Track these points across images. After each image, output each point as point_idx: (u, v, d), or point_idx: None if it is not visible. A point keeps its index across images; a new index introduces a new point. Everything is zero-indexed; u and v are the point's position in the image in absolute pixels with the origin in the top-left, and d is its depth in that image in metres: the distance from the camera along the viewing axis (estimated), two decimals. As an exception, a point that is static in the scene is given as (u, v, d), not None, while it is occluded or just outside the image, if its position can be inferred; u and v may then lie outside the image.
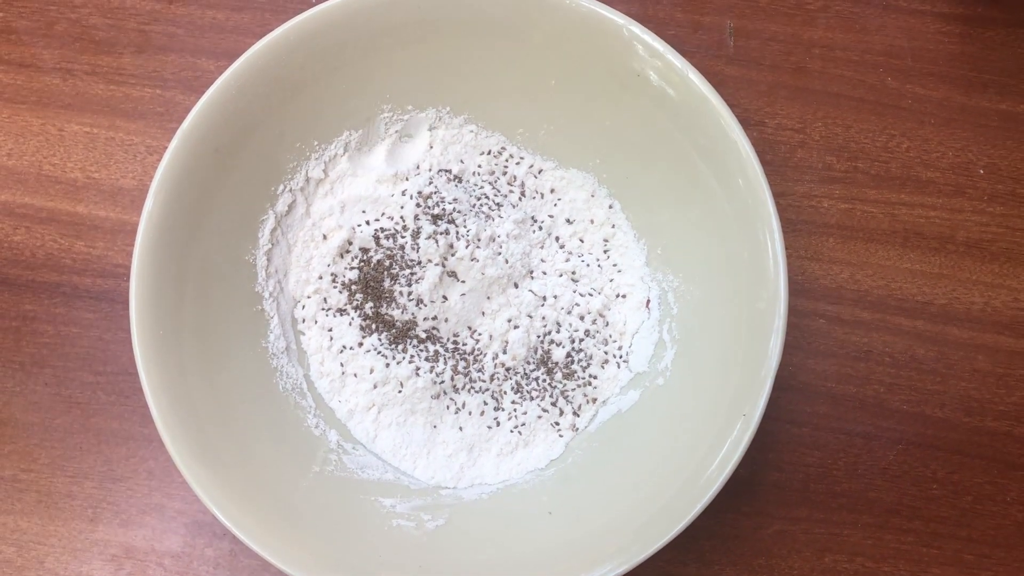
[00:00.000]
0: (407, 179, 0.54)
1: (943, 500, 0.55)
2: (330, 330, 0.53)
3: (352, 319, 0.53)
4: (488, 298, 0.53)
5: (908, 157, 0.59)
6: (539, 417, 0.52)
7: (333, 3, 0.49)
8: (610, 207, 0.55)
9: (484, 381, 0.52)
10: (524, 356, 0.52)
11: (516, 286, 0.53)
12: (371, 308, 0.52)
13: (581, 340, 0.53)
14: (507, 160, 0.55)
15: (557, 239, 0.55)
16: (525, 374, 0.53)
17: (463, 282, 0.52)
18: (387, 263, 0.52)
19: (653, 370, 0.52)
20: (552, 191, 0.56)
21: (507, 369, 0.53)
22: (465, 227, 0.52)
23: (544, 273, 0.54)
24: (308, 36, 0.49)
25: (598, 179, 0.55)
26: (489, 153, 0.55)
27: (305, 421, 0.50)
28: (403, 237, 0.53)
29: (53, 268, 0.57)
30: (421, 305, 0.52)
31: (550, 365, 0.53)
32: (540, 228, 0.55)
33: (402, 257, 0.52)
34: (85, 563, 0.53)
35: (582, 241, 0.55)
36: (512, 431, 0.52)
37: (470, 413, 0.52)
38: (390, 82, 0.52)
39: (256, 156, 0.50)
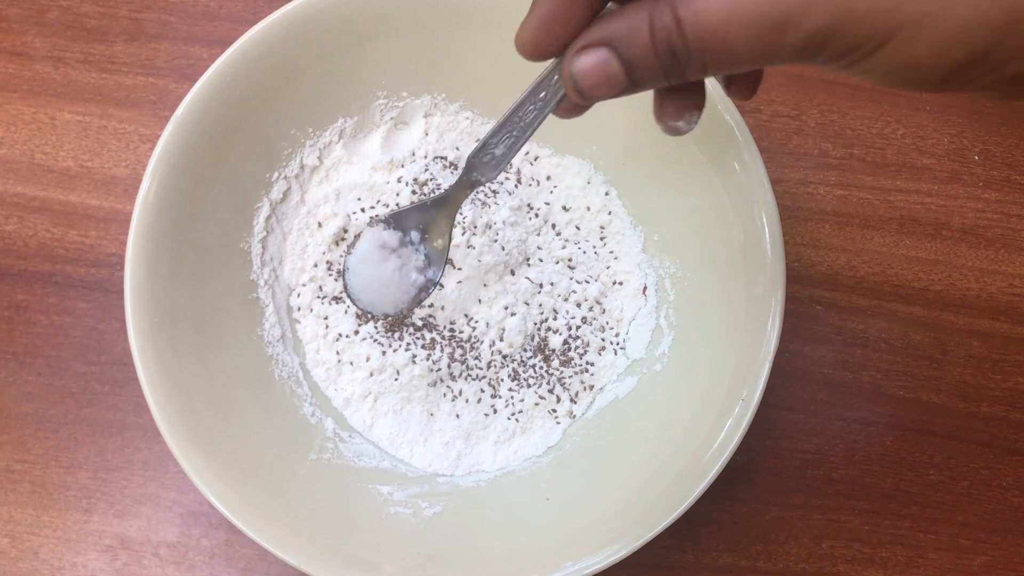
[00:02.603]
0: (402, 166, 0.54)
1: (940, 485, 0.55)
2: (326, 318, 0.52)
3: (348, 307, 0.52)
4: (485, 285, 0.53)
5: (903, 144, 0.60)
6: (536, 404, 0.52)
7: (327, -12, 0.49)
8: (606, 194, 0.55)
9: (481, 368, 0.52)
10: (521, 343, 0.52)
11: (513, 273, 0.53)
12: (367, 296, 0.52)
13: (578, 327, 0.53)
14: (503, 147, 0.55)
15: (553, 226, 0.55)
16: (522, 361, 0.52)
17: (459, 269, 0.52)
18: (383, 251, 0.52)
19: (650, 356, 0.52)
20: (548, 178, 0.55)
21: (504, 356, 0.52)
22: (461, 214, 0.52)
23: (541, 260, 0.54)
24: (302, 22, 0.48)
25: (594, 166, 0.55)
26: (485, 140, 0.55)
27: (301, 409, 0.50)
28: (399, 224, 0.52)
29: (46, 258, 0.56)
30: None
31: (547, 352, 0.53)
32: (536, 215, 0.54)
33: (398, 245, 0.52)
34: (80, 553, 0.53)
35: (578, 228, 0.55)
36: (509, 418, 0.52)
37: (467, 401, 0.52)
38: (385, 69, 0.52)
39: (251, 143, 0.50)
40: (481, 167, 0.39)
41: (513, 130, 0.36)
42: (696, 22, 0.27)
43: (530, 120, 0.35)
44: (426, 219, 0.45)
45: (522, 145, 0.37)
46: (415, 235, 0.46)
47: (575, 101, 0.32)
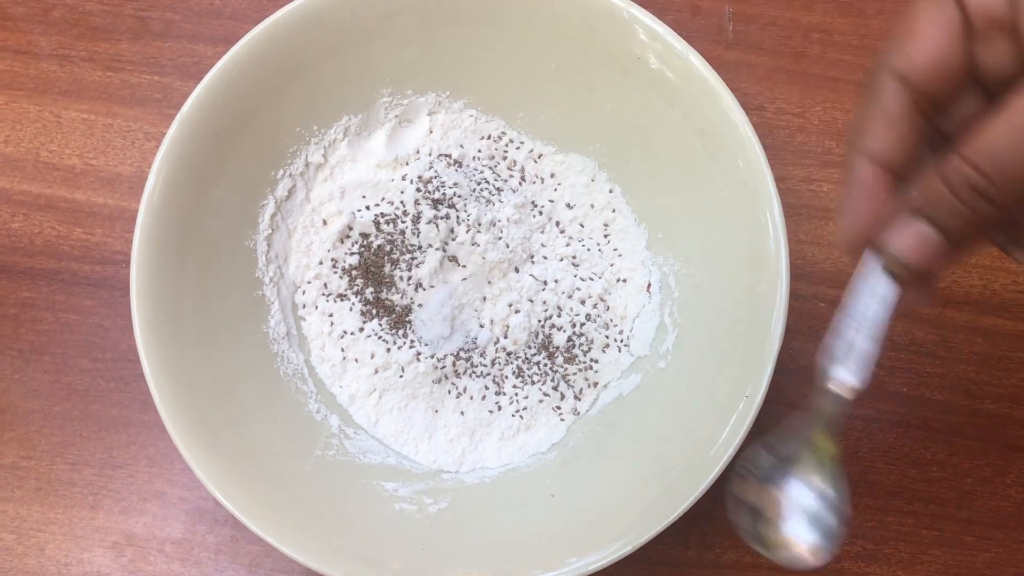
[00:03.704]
0: (407, 164, 0.54)
1: (943, 482, 0.55)
2: (331, 315, 0.53)
3: (352, 304, 0.52)
4: (489, 283, 0.53)
5: (907, 141, 0.59)
6: (540, 401, 0.52)
7: (332, -13, 0.49)
8: (610, 191, 0.55)
9: (485, 366, 0.52)
10: (525, 340, 0.52)
11: (517, 271, 0.53)
12: (371, 293, 0.52)
13: (582, 324, 0.53)
14: (507, 145, 0.55)
15: (557, 224, 0.55)
16: (526, 358, 0.53)
17: (464, 267, 0.52)
18: (387, 248, 0.52)
19: (654, 353, 0.52)
20: (552, 176, 0.55)
21: (508, 354, 0.53)
22: (465, 212, 0.52)
23: (545, 258, 0.54)
24: (306, 20, 0.49)
25: (598, 163, 0.55)
26: (489, 138, 0.55)
27: (306, 406, 0.50)
28: (403, 222, 0.52)
29: (51, 255, 0.56)
30: (421, 290, 0.52)
31: (551, 349, 0.53)
32: (540, 213, 0.55)
33: (402, 242, 0.52)
34: (86, 550, 0.53)
35: (582, 226, 0.55)
36: (513, 415, 0.52)
37: (471, 398, 0.52)
38: (389, 67, 0.52)
39: (255, 141, 0.50)
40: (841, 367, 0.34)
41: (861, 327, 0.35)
42: (983, 148, 0.28)
43: (873, 314, 0.34)
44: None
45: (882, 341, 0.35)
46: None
47: (907, 279, 0.33)
